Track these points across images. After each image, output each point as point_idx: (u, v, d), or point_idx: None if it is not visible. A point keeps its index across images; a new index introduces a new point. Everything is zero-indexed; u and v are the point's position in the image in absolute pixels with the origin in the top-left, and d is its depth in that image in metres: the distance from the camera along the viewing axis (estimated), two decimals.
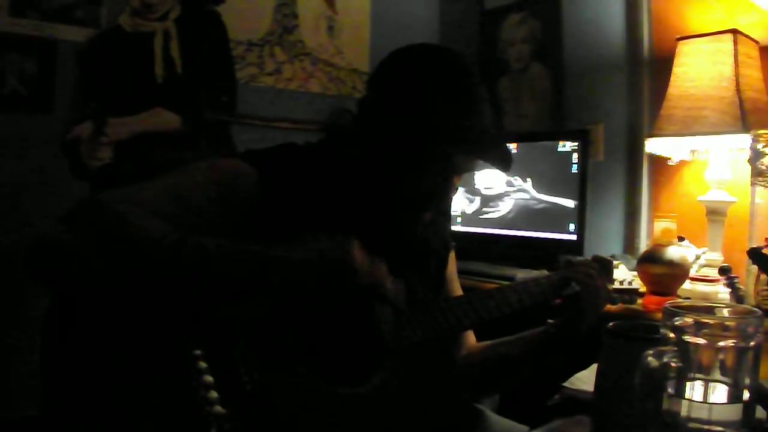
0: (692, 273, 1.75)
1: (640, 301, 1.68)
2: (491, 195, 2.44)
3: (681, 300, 1.44)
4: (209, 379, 0.81)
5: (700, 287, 1.75)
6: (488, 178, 2.44)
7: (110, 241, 0.79)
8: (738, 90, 1.76)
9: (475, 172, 2.41)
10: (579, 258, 2.03)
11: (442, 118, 0.95)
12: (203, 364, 0.81)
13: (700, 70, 1.84)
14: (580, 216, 2.16)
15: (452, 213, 2.55)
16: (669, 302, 0.68)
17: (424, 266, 1.13)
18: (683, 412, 0.64)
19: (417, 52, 1.01)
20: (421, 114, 0.95)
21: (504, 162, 0.99)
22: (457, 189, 1.03)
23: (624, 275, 1.81)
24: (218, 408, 0.79)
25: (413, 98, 0.96)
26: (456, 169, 1.00)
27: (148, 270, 0.79)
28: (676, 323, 0.65)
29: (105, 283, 0.79)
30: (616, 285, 1.75)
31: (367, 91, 1.04)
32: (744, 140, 1.68)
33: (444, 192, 1.01)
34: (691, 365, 0.64)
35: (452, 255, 1.24)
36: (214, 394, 0.80)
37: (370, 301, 0.85)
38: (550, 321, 1.12)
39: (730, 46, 1.80)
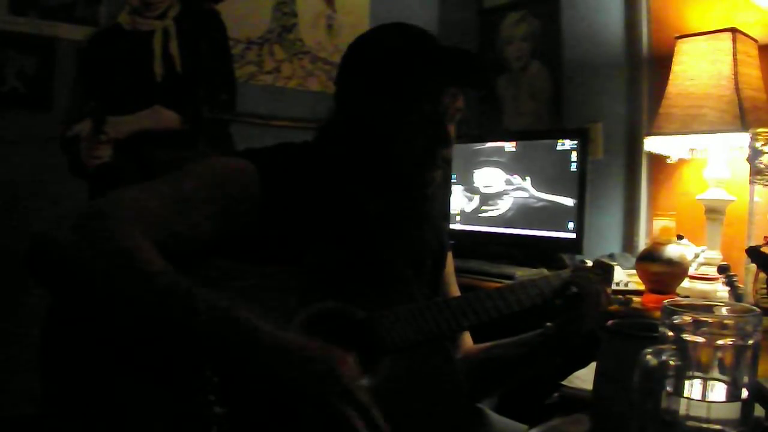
0: (691, 271, 1.75)
1: (637, 299, 1.69)
2: (490, 193, 2.44)
3: (680, 298, 1.44)
4: (209, 378, 0.80)
5: (699, 286, 1.76)
6: (487, 177, 2.44)
7: (107, 268, 0.78)
8: (737, 88, 1.76)
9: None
10: (577, 257, 2.04)
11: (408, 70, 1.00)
12: (203, 363, 0.81)
13: (699, 68, 1.84)
14: (579, 214, 2.16)
15: (451, 211, 2.55)
16: (668, 301, 0.68)
17: (421, 266, 1.13)
18: (682, 411, 0.64)
19: (367, 35, 1.09)
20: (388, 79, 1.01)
21: (482, 77, 1.03)
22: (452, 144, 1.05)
23: (620, 277, 1.80)
24: (218, 408, 0.79)
25: (375, 69, 1.03)
26: (441, 112, 1.02)
27: (132, 303, 0.78)
28: (674, 321, 0.65)
29: (99, 300, 0.79)
30: (613, 287, 1.75)
31: (336, 85, 1.09)
32: (743, 139, 1.68)
33: (437, 149, 1.02)
34: (689, 363, 0.64)
35: (450, 256, 1.24)
36: (214, 393, 0.80)
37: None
38: (548, 324, 1.12)
39: (729, 44, 1.80)
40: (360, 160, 1.03)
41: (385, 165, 1.02)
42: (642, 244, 2.28)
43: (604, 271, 1.16)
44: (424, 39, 1.05)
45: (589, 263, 1.21)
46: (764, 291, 1.37)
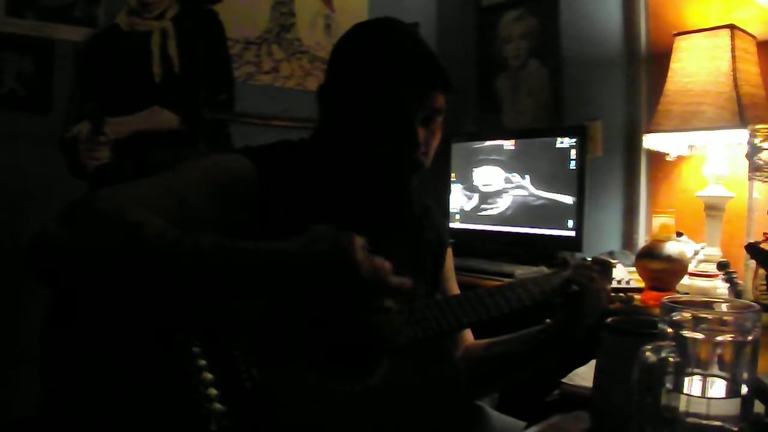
0: (691, 268, 1.75)
1: (637, 297, 1.69)
2: (489, 191, 2.44)
3: (679, 295, 1.44)
4: (209, 376, 0.81)
5: (699, 282, 1.76)
6: (487, 175, 2.44)
7: (106, 238, 0.77)
8: (735, 85, 1.77)
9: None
10: (577, 255, 2.04)
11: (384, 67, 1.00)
12: (203, 362, 0.81)
13: (697, 65, 1.84)
14: (578, 212, 2.16)
15: (450, 210, 2.55)
16: (667, 297, 0.69)
17: (420, 262, 1.13)
18: (681, 407, 0.64)
19: (351, 31, 1.11)
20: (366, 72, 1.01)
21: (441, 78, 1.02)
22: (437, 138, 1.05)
23: (622, 274, 1.80)
24: (217, 405, 0.79)
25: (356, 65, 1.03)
26: (418, 105, 1.01)
27: (145, 268, 0.77)
28: (674, 318, 0.65)
29: (101, 280, 0.78)
30: (614, 284, 1.75)
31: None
32: (742, 135, 1.68)
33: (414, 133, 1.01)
34: (689, 360, 0.64)
35: (449, 252, 1.24)
36: (214, 391, 0.80)
37: (371, 298, 0.84)
38: (548, 320, 1.12)
39: (728, 41, 1.80)
40: (341, 159, 1.03)
41: (361, 164, 1.02)
42: (641, 241, 2.29)
43: (604, 268, 1.16)
44: (391, 37, 1.06)
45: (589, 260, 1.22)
46: (764, 287, 1.37)
